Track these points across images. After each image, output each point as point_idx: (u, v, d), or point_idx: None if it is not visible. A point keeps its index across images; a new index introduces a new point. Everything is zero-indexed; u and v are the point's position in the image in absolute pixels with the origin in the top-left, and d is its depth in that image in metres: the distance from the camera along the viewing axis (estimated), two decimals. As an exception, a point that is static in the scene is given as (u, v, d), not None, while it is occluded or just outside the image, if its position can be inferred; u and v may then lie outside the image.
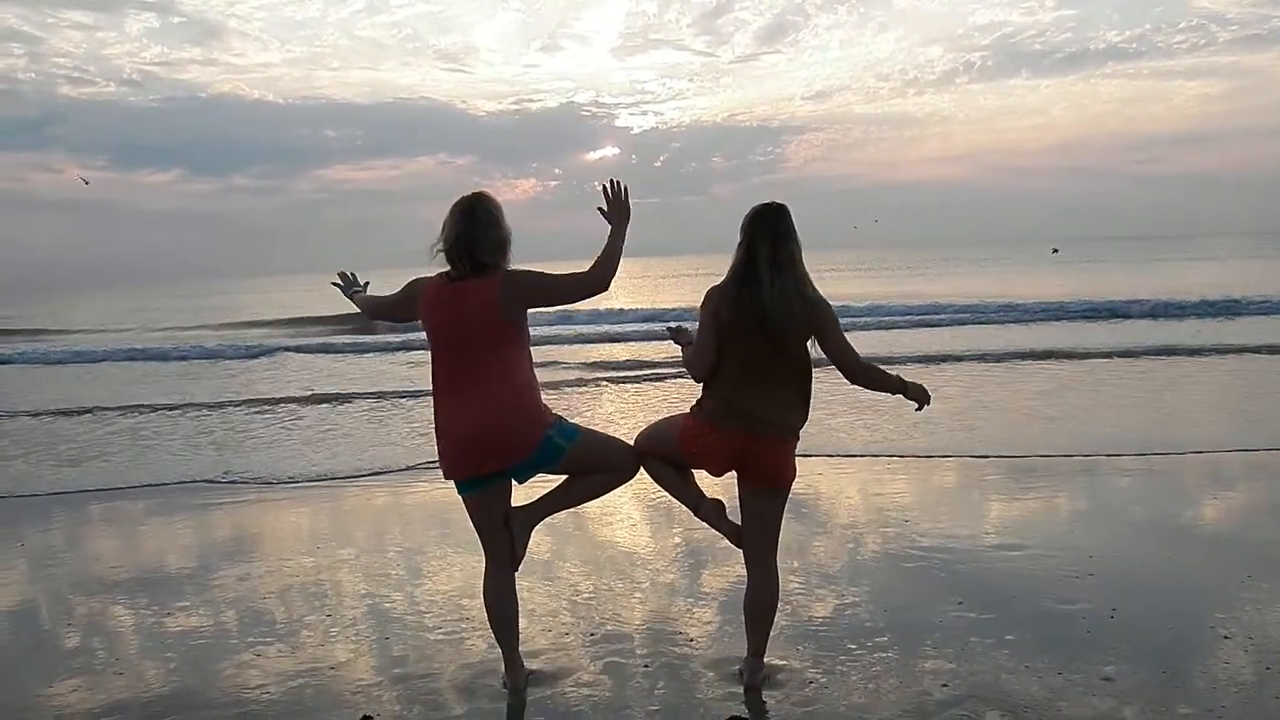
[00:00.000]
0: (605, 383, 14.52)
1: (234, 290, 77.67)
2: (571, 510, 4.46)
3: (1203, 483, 7.32)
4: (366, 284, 4.48)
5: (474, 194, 3.90)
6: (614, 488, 4.16)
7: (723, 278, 3.93)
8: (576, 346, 20.91)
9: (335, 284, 4.50)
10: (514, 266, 3.88)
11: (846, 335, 3.90)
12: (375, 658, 4.51)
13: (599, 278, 3.80)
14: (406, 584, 5.55)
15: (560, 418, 3.94)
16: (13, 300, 72.12)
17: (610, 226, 3.91)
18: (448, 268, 3.88)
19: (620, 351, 19.75)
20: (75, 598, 5.61)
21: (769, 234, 3.83)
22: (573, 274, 3.82)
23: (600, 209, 3.95)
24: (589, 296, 3.85)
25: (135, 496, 8.28)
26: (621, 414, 11.62)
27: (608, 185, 3.98)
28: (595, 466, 4.03)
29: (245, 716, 3.96)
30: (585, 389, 14.11)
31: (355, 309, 4.42)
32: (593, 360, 18.04)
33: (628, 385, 14.30)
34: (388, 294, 4.16)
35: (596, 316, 26.59)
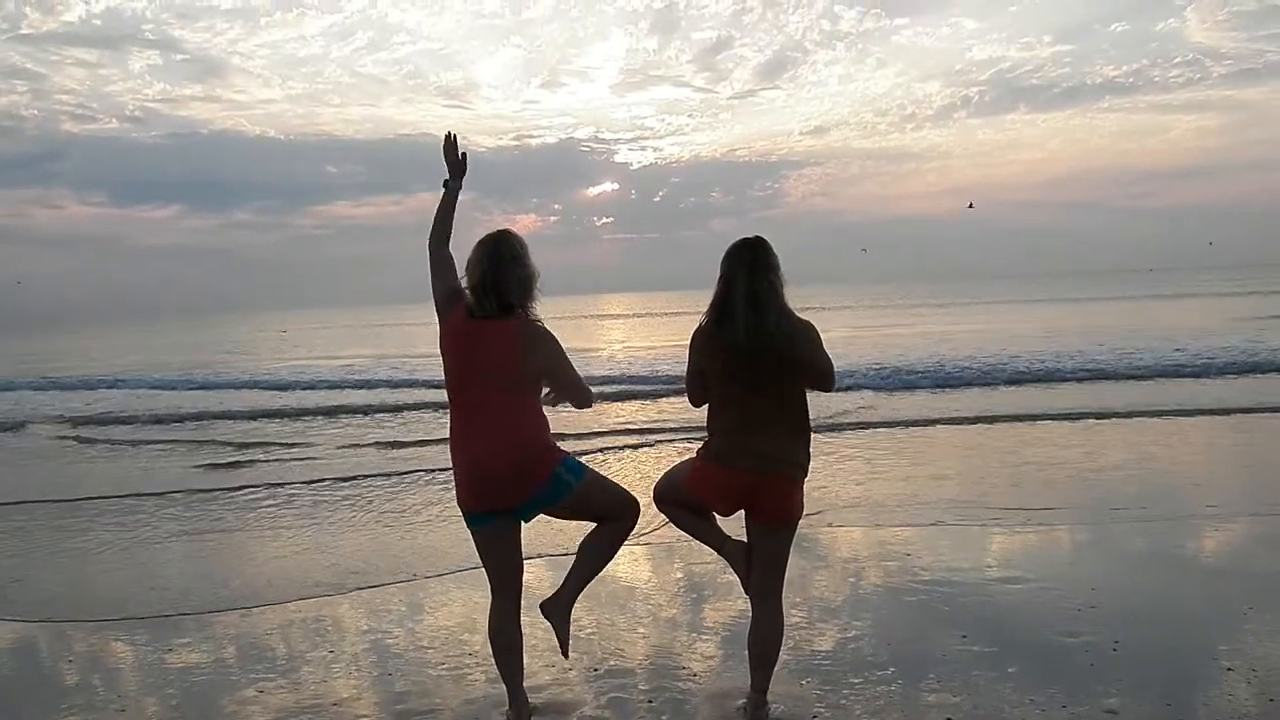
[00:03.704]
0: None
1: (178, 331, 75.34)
2: (573, 545, 4.45)
3: (1204, 516, 7.30)
4: (456, 187, 4.17)
5: (498, 232, 3.93)
6: (624, 539, 4.13)
7: (703, 316, 3.95)
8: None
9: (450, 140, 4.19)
10: (540, 319, 3.91)
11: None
12: (377, 693, 4.50)
13: (588, 399, 3.98)
14: (407, 619, 5.54)
15: (567, 454, 3.96)
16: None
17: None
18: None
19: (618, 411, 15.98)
20: (75, 633, 5.59)
21: (745, 268, 3.84)
22: (580, 381, 3.96)
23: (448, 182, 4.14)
24: (574, 404, 4.01)
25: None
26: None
27: None
28: (599, 508, 4.03)
29: (247, 753, 3.96)
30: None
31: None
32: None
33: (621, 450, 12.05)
34: (448, 259, 4.08)
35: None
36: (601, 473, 4.19)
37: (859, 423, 12.78)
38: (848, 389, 15.95)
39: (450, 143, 4.17)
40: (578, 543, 4.15)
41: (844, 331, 31.97)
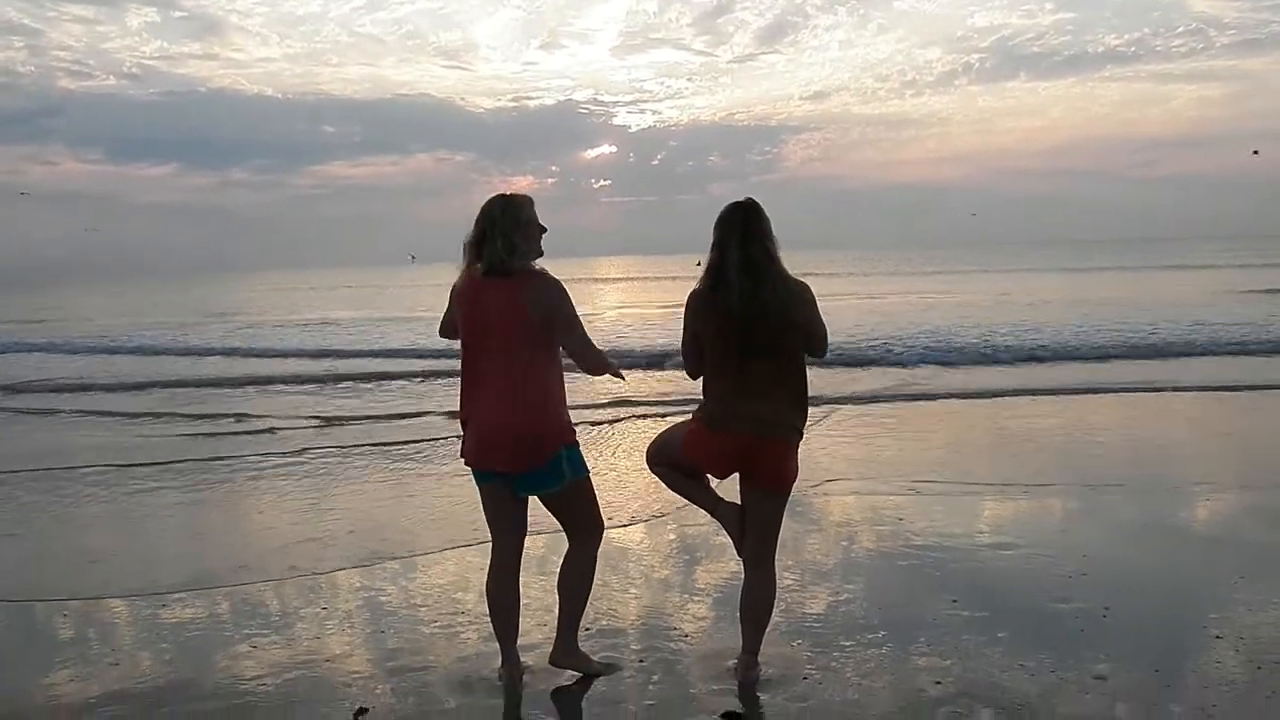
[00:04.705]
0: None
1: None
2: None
3: (1195, 486, 7.33)
4: None
5: (499, 196, 3.90)
6: (594, 566, 4.16)
7: (699, 281, 3.94)
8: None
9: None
10: (546, 271, 3.89)
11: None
12: (370, 650, 4.52)
13: (596, 362, 3.99)
14: (401, 577, 5.56)
15: (576, 441, 3.96)
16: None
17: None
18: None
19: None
20: (70, 587, 5.60)
21: (738, 234, 3.81)
22: (589, 343, 3.95)
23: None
24: (580, 363, 3.99)
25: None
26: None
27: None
28: (576, 514, 4.05)
29: (241, 707, 3.98)
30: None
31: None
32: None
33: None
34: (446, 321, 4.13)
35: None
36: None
37: (858, 396, 12.80)
38: (864, 362, 15.88)
39: None
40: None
41: (842, 300, 31.87)
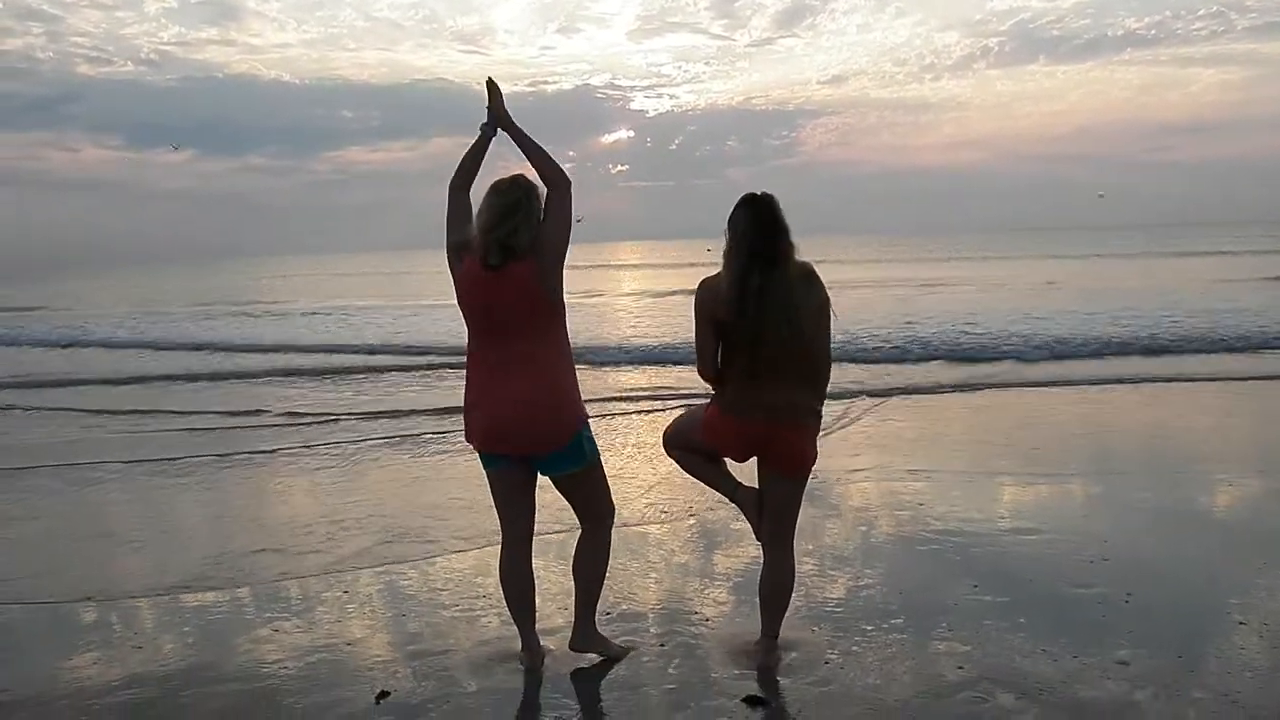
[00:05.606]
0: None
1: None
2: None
3: (1218, 469, 7.28)
4: (490, 133, 4.05)
5: (506, 179, 3.84)
6: (609, 549, 4.16)
7: (716, 271, 3.87)
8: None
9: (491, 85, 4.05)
10: None
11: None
12: (391, 634, 4.54)
13: (560, 179, 3.83)
14: (421, 562, 5.58)
15: (588, 420, 3.95)
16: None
17: (505, 130, 3.95)
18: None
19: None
20: (92, 571, 5.65)
21: (760, 259, 3.73)
22: (549, 198, 3.81)
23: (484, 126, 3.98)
24: (569, 197, 3.83)
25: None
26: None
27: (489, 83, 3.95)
28: (590, 495, 4.06)
29: (262, 690, 4.00)
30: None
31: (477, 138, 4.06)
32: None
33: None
34: (465, 205, 3.96)
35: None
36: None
37: (876, 388, 12.75)
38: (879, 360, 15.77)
39: (490, 86, 4.04)
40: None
41: (859, 289, 31.71)
